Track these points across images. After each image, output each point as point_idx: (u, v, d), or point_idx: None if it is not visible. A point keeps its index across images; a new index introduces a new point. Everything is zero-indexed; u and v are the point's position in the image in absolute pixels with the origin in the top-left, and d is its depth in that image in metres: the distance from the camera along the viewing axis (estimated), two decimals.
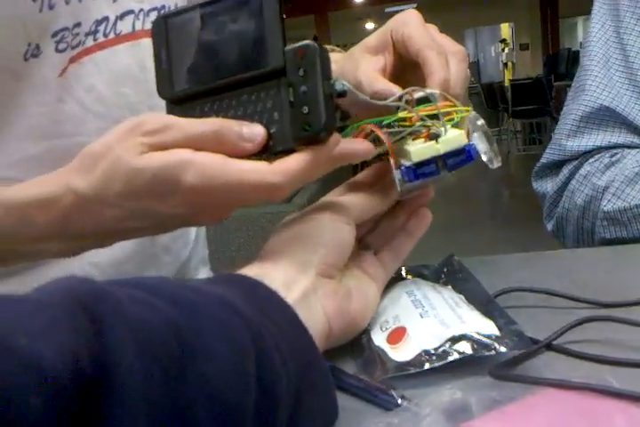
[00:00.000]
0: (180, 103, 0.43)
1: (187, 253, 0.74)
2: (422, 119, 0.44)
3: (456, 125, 0.45)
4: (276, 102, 0.39)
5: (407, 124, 0.44)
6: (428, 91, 0.45)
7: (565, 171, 0.76)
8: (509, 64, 12.13)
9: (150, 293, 0.29)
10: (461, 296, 0.45)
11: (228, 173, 0.37)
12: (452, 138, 0.44)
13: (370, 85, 0.49)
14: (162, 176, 0.38)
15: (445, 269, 0.52)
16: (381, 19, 11.11)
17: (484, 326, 0.39)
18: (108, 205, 0.40)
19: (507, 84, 10.05)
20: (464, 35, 12.08)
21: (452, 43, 0.51)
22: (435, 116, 0.45)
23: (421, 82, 0.48)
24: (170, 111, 0.44)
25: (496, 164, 0.46)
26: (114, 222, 0.41)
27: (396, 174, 0.43)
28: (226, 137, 0.39)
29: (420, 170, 0.43)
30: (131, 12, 0.61)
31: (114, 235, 0.44)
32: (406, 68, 0.52)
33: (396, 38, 0.51)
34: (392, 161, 0.43)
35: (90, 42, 0.59)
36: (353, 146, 0.41)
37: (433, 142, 0.43)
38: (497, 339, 0.38)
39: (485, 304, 0.44)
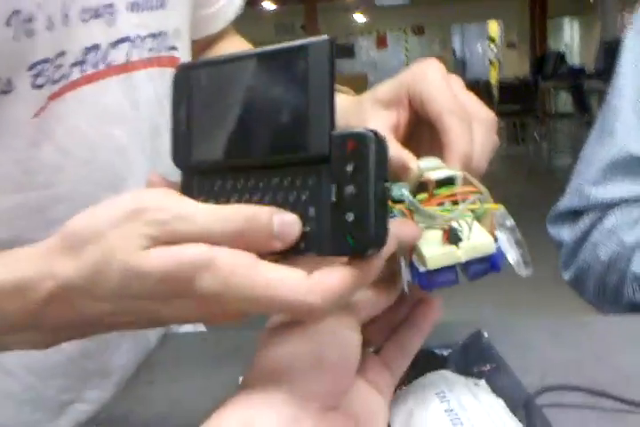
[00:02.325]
0: (196, 173, 0.36)
1: None
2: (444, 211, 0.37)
3: (479, 218, 0.38)
4: (313, 196, 0.31)
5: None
6: (448, 172, 0.38)
7: (587, 220, 0.70)
8: (495, 62, 12.13)
9: None
10: (500, 401, 0.39)
11: (254, 283, 0.29)
12: (478, 245, 0.36)
13: None
14: (171, 280, 0.30)
15: (474, 354, 0.46)
16: (372, 11, 11.02)
17: None
18: (96, 300, 0.32)
19: (493, 82, 10.06)
20: (452, 31, 12.04)
21: (479, 105, 0.43)
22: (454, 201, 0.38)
23: (438, 146, 0.41)
24: (185, 183, 0.36)
25: (526, 272, 0.38)
26: (101, 316, 0.34)
27: (405, 273, 0.36)
28: (253, 236, 0.31)
29: (436, 277, 0.36)
30: (126, 38, 0.53)
31: (98, 328, 0.36)
32: (423, 126, 0.44)
33: (413, 94, 0.43)
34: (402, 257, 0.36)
35: (76, 74, 0.50)
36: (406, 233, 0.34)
37: (453, 247, 0.36)
38: None
39: (525, 407, 0.39)
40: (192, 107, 0.35)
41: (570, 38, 12.74)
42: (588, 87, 6.55)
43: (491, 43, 12.67)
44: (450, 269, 0.36)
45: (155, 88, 0.57)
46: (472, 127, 0.41)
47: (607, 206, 0.69)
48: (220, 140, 0.34)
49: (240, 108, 0.33)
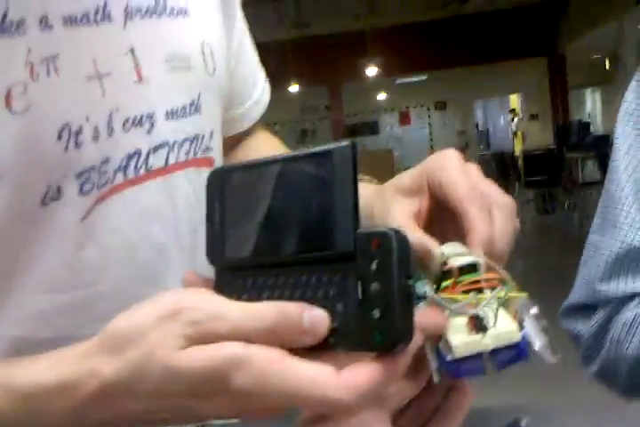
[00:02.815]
0: (229, 270, 0.38)
1: None
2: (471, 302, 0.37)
3: (503, 306, 0.38)
4: (340, 292, 0.33)
5: (448, 296, 0.38)
6: (470, 258, 0.39)
7: (602, 315, 0.69)
8: (519, 134, 12.29)
9: None
10: None
11: (287, 381, 0.31)
12: (503, 333, 0.37)
13: None
14: (207, 377, 0.32)
15: None
16: (393, 90, 11.37)
17: None
18: (136, 398, 0.34)
19: (517, 153, 10.16)
20: (474, 106, 12.29)
21: (497, 192, 0.45)
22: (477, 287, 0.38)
23: (461, 231, 0.42)
24: (218, 280, 0.38)
25: (553, 360, 0.38)
26: (139, 413, 0.35)
27: (432, 361, 0.37)
28: (284, 332, 0.32)
29: (463, 365, 0.37)
30: (165, 144, 0.56)
31: (135, 424, 0.37)
32: (444, 214, 0.45)
33: (432, 182, 0.45)
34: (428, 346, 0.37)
35: (119, 179, 0.53)
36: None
37: (480, 335, 0.37)
38: None
39: None
40: (225, 207, 0.38)
41: (592, 108, 12.90)
42: None
43: (512, 115, 12.90)
44: (477, 357, 0.37)
45: (193, 188, 0.59)
46: (492, 213, 0.42)
47: (618, 302, 0.68)
48: (251, 238, 0.36)
49: (270, 208, 0.36)
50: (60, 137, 0.48)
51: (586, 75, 11.56)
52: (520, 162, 8.38)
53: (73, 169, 0.50)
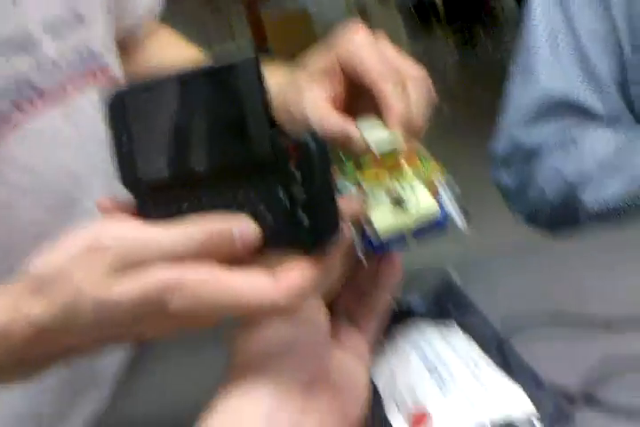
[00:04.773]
0: (148, 193, 0.36)
1: None
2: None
3: (421, 179, 0.41)
4: (265, 199, 0.33)
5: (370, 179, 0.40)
6: (389, 140, 0.41)
7: (524, 160, 0.72)
8: None
9: None
10: (474, 346, 0.42)
11: (223, 295, 0.31)
12: (424, 210, 0.39)
13: (319, 122, 0.43)
14: (142, 306, 0.31)
15: (444, 302, 0.48)
16: None
17: (514, 401, 0.36)
18: (72, 335, 0.33)
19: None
20: None
21: (409, 64, 0.45)
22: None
23: (378, 109, 0.43)
24: (138, 202, 0.37)
25: (467, 231, 0.40)
26: (83, 345, 0.35)
27: (358, 244, 0.38)
28: (214, 249, 0.32)
29: (387, 244, 0.39)
30: (53, 63, 0.52)
31: (84, 353, 0.37)
32: (360, 92, 0.45)
33: (345, 63, 0.45)
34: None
35: (17, 115, 0.50)
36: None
37: (402, 214, 0.39)
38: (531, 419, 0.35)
39: (499, 349, 0.41)
40: (130, 128, 0.36)
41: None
42: None
43: None
44: (400, 235, 0.39)
45: (93, 105, 0.56)
46: (406, 87, 0.43)
47: (539, 147, 0.71)
48: (164, 157, 0.35)
49: (178, 125, 0.35)
50: None
51: None
52: (441, 7, 8.17)
53: None
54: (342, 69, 0.45)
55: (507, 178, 0.74)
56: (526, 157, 0.72)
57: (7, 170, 0.49)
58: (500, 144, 0.74)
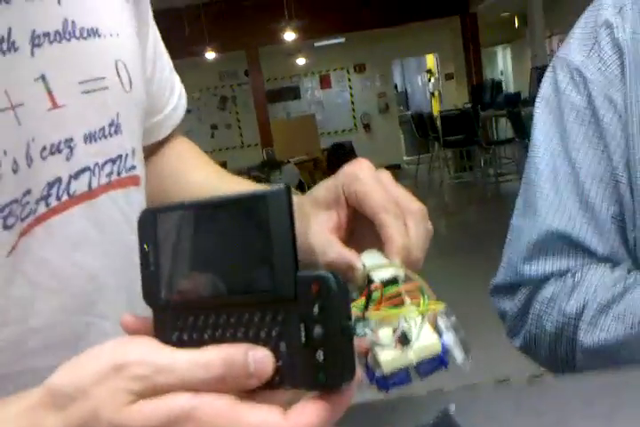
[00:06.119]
0: (169, 313, 0.37)
1: None
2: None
3: (423, 314, 0.42)
4: (283, 332, 0.34)
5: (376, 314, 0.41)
6: (391, 271, 0.43)
7: (524, 293, 0.74)
8: (436, 94, 12.52)
9: None
10: None
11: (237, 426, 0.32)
12: (426, 346, 0.41)
13: (323, 253, 0.46)
14: None
15: None
16: (312, 53, 11.30)
17: None
18: None
19: (435, 113, 10.35)
20: (392, 67, 12.39)
21: (409, 199, 0.48)
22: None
23: (379, 237, 0.46)
24: (157, 320, 0.38)
25: (468, 366, 0.42)
26: None
27: (363, 377, 0.41)
28: (231, 379, 0.33)
29: (391, 379, 0.41)
30: (86, 169, 0.54)
31: None
32: (363, 221, 0.48)
33: (349, 194, 0.48)
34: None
35: (42, 208, 0.51)
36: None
37: (406, 351, 0.41)
38: None
39: None
40: (159, 248, 0.37)
41: (504, 66, 13.26)
42: (525, 113, 6.85)
43: (429, 75, 13.10)
44: (403, 370, 0.41)
45: (119, 209, 0.58)
46: (406, 220, 0.46)
47: (539, 282, 0.73)
48: (190, 279, 0.36)
49: (207, 249, 0.36)
50: None
51: (497, 33, 11.84)
52: (438, 123, 8.59)
53: None
54: (346, 200, 0.48)
55: (508, 306, 0.76)
56: (528, 288, 0.74)
57: (28, 264, 0.50)
58: (503, 274, 0.76)
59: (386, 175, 0.49)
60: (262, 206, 0.34)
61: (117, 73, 0.58)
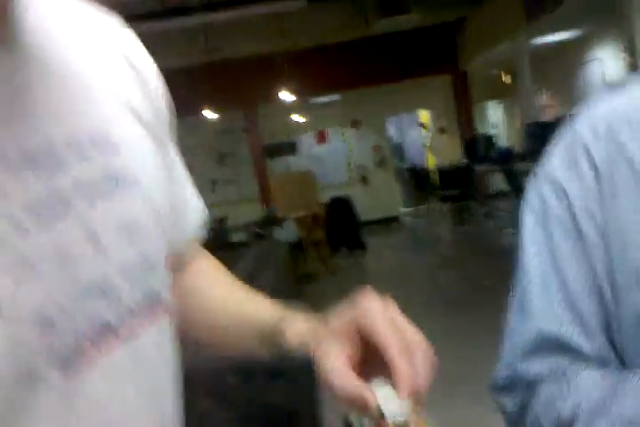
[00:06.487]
0: None
1: None
2: None
3: None
4: None
5: None
6: (402, 414, 0.48)
7: (520, 393, 0.76)
8: (430, 145, 12.77)
9: None
10: None
11: None
12: None
13: (340, 387, 0.51)
14: None
15: None
16: (308, 110, 11.59)
17: None
18: None
19: (431, 166, 10.55)
20: (386, 122, 12.67)
21: (413, 331, 0.54)
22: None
23: (388, 367, 0.52)
24: None
25: None
26: None
27: None
28: None
29: None
30: (131, 311, 0.55)
31: None
32: (375, 352, 0.54)
33: (362, 330, 0.54)
34: None
35: (93, 353, 0.51)
36: None
37: None
38: None
39: None
40: None
41: (496, 120, 13.55)
42: (518, 169, 6.92)
43: (423, 128, 13.39)
44: None
45: (154, 344, 0.58)
46: (412, 355, 0.52)
47: (534, 382, 0.76)
48: None
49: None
50: (41, 332, 0.47)
51: (487, 89, 12.18)
52: (434, 177, 8.74)
53: (52, 355, 0.48)
54: (359, 333, 0.55)
55: (507, 404, 0.78)
56: (525, 386, 0.76)
57: (83, 409, 0.51)
58: (501, 372, 0.78)
59: (393, 307, 0.56)
60: (290, 373, 0.38)
61: (154, 219, 0.59)
